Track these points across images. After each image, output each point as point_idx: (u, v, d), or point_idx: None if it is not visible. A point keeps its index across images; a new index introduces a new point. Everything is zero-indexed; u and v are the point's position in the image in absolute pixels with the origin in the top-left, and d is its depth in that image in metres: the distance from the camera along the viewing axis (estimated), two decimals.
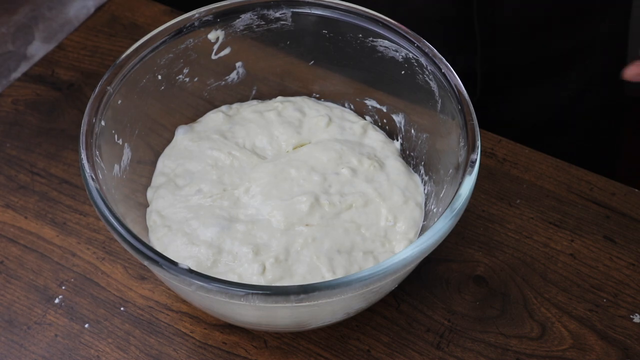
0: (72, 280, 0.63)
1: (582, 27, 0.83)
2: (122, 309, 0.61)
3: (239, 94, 0.68)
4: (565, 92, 0.88)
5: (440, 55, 0.59)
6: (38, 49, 0.81)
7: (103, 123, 0.56)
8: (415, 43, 0.60)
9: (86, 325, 0.60)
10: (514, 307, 0.61)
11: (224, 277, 0.54)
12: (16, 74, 0.78)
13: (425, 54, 0.59)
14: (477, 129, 0.55)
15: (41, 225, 0.66)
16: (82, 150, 0.53)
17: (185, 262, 0.55)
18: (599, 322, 0.61)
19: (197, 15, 0.61)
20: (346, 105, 0.68)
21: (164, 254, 0.55)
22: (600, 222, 0.66)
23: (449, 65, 0.58)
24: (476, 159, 0.53)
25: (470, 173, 0.53)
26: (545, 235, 0.65)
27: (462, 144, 0.55)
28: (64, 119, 0.74)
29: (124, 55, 0.58)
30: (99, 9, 0.83)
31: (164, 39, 0.60)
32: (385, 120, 0.67)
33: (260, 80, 0.68)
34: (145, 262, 0.49)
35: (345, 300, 0.51)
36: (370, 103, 0.67)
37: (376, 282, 0.48)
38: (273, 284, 0.54)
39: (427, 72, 0.60)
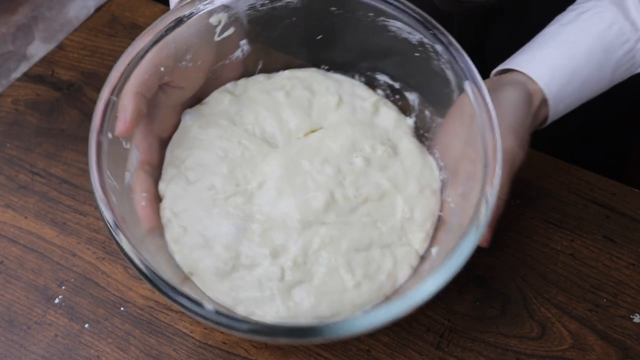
0: (72, 280, 0.63)
1: None
2: (122, 309, 0.61)
3: (244, 69, 0.66)
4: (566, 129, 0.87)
5: (457, 45, 0.56)
6: (38, 49, 0.81)
7: (110, 135, 0.54)
8: (430, 30, 0.57)
9: (86, 325, 0.60)
10: (514, 307, 0.61)
11: (243, 283, 0.54)
12: (16, 74, 0.78)
13: (442, 42, 0.57)
14: (499, 135, 0.53)
15: (41, 225, 0.66)
16: (93, 179, 0.51)
17: (205, 266, 0.55)
18: (599, 322, 0.61)
19: (198, 2, 0.59)
20: (356, 78, 0.66)
21: (182, 256, 0.56)
22: (600, 222, 0.66)
23: (467, 57, 0.56)
24: (497, 171, 0.51)
25: (492, 187, 0.51)
26: (545, 235, 0.65)
27: (477, 140, 0.54)
28: (64, 119, 0.74)
29: (123, 59, 0.55)
30: (99, 9, 0.83)
31: (164, 32, 0.57)
32: (397, 97, 0.64)
33: (266, 54, 0.65)
34: (176, 305, 0.48)
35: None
36: (382, 78, 0.65)
37: (392, 320, 0.48)
38: (292, 289, 0.54)
39: (443, 60, 0.57)
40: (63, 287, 0.62)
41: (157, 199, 0.59)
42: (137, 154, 0.58)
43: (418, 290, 0.48)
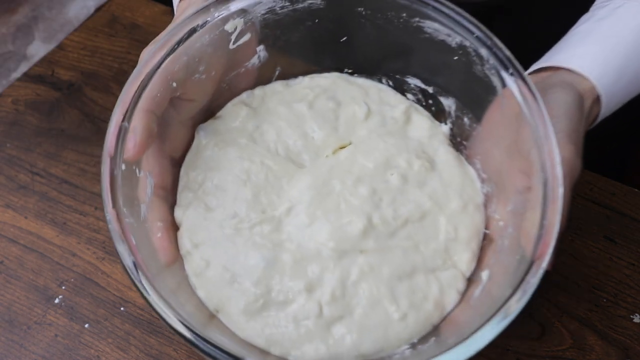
0: (72, 280, 0.63)
1: None
2: (122, 308, 0.61)
3: (260, 77, 0.61)
4: None
5: (505, 49, 0.51)
6: (38, 49, 0.81)
7: (123, 167, 0.48)
8: (474, 33, 0.51)
9: (86, 325, 0.60)
10: None
11: (277, 321, 0.50)
12: (16, 74, 0.78)
13: (488, 47, 0.51)
14: (556, 144, 0.47)
15: (41, 225, 0.66)
16: (110, 219, 0.46)
17: (233, 305, 0.51)
18: (599, 322, 0.61)
19: (211, 7, 0.53)
20: (383, 81, 0.60)
21: (205, 292, 0.52)
22: (600, 222, 0.66)
23: (518, 64, 0.50)
24: (559, 190, 0.46)
25: (556, 213, 0.46)
26: None
27: (529, 154, 0.48)
28: (64, 119, 0.74)
29: (134, 73, 0.50)
30: (99, 9, 0.83)
31: (176, 45, 0.52)
32: (430, 102, 0.59)
33: (284, 60, 0.60)
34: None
35: None
36: (413, 82, 0.59)
37: None
38: (332, 326, 0.50)
39: (488, 66, 0.51)
40: (63, 287, 0.62)
41: (174, 227, 0.54)
42: (150, 181, 0.52)
43: (481, 334, 0.45)
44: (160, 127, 0.52)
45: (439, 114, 0.59)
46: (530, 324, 0.60)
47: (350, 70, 0.61)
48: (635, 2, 0.62)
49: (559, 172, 0.47)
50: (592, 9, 0.64)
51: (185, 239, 0.53)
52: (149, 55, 0.51)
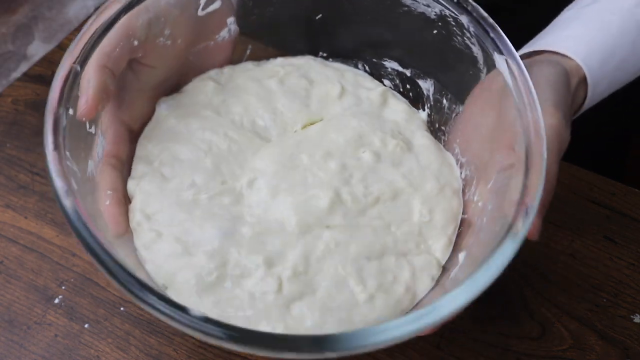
0: (72, 280, 0.63)
1: None
2: (122, 308, 0.61)
3: (230, 53, 0.58)
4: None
5: (486, 15, 0.49)
6: (38, 49, 0.81)
7: (71, 111, 0.45)
8: None
9: (86, 325, 0.60)
10: (514, 307, 0.61)
11: (232, 296, 0.46)
12: (16, 74, 0.78)
13: (468, 12, 0.50)
14: (539, 109, 0.45)
15: (41, 225, 0.66)
16: (50, 159, 0.43)
17: (183, 277, 0.46)
18: (599, 322, 0.61)
19: None
20: (360, 66, 0.58)
21: (154, 266, 0.47)
22: (600, 222, 0.66)
23: (499, 28, 0.49)
24: (542, 161, 0.44)
25: (539, 182, 0.43)
26: (545, 235, 0.65)
27: (514, 125, 0.46)
28: None
29: (90, 21, 0.47)
30: (98, 8, 0.83)
31: None
32: (408, 86, 0.57)
33: (256, 38, 0.58)
34: (148, 309, 0.39)
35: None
36: (390, 65, 0.57)
37: (430, 327, 0.41)
38: (292, 304, 0.46)
39: (468, 35, 0.50)
40: (63, 287, 0.62)
41: (126, 200, 0.50)
42: (102, 141, 0.49)
43: (446, 302, 0.41)
44: (118, 91, 0.49)
45: (416, 101, 0.57)
46: (530, 324, 0.60)
47: (325, 55, 0.59)
48: None
49: (543, 133, 0.45)
50: None
51: (136, 211, 0.49)
52: (108, 5, 0.48)
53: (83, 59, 0.46)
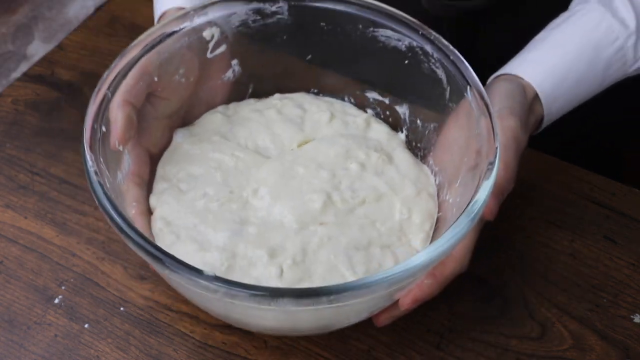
0: (72, 280, 0.63)
1: None
2: (122, 309, 0.61)
3: (235, 93, 0.67)
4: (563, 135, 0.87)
5: (446, 42, 0.58)
6: (38, 49, 0.81)
7: (104, 129, 0.54)
8: (419, 31, 0.59)
9: (86, 325, 0.60)
10: (514, 307, 0.61)
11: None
12: (16, 74, 0.78)
13: (431, 42, 0.58)
14: (495, 120, 0.53)
15: (41, 225, 0.66)
16: (87, 155, 0.51)
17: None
18: (599, 322, 0.61)
19: (192, 13, 0.60)
20: (346, 99, 0.67)
21: None
22: (600, 222, 0.66)
23: (457, 52, 0.57)
24: (495, 160, 0.51)
25: (488, 177, 0.51)
26: (545, 235, 0.65)
27: (477, 131, 0.54)
28: (64, 119, 0.74)
29: (121, 57, 0.57)
30: (99, 9, 0.84)
31: (159, 39, 0.58)
32: (388, 112, 0.65)
33: (257, 78, 0.67)
34: (166, 272, 0.46)
35: (373, 299, 0.51)
36: (372, 95, 0.66)
37: (405, 279, 0.47)
38: (293, 286, 0.53)
39: (432, 60, 0.58)
40: (63, 287, 0.62)
41: (148, 212, 0.58)
42: (128, 159, 0.57)
43: (419, 256, 0.47)
44: (138, 120, 0.57)
45: (395, 124, 0.65)
46: (530, 324, 0.60)
47: (316, 91, 0.68)
48: (588, 8, 0.67)
49: (497, 129, 0.52)
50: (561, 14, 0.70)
51: (158, 219, 0.57)
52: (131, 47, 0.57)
53: (115, 87, 0.55)
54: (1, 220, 0.66)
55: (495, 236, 0.65)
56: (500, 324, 0.61)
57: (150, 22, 0.81)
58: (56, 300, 0.61)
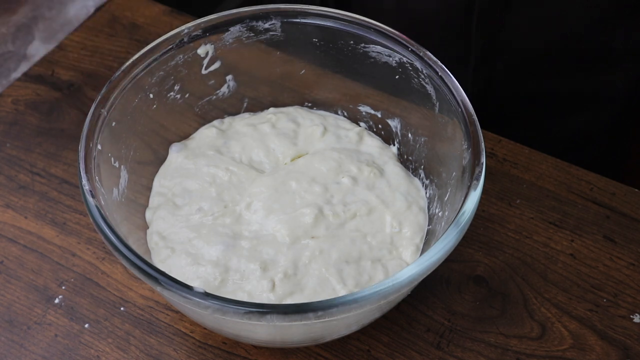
0: (72, 280, 0.63)
1: (590, 73, 0.82)
2: (122, 309, 0.61)
3: (230, 107, 0.68)
4: (564, 132, 0.88)
5: (435, 58, 0.59)
6: (38, 49, 0.81)
7: (100, 147, 0.55)
8: (409, 47, 0.60)
9: (86, 325, 0.60)
10: (514, 307, 0.61)
11: (233, 296, 0.54)
12: (16, 74, 0.78)
13: (420, 58, 0.59)
14: (480, 135, 0.55)
15: (41, 225, 0.66)
16: (82, 175, 0.52)
17: (192, 282, 0.54)
18: (599, 322, 0.61)
19: (186, 31, 0.61)
20: (339, 112, 0.68)
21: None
22: (600, 222, 0.66)
23: (445, 68, 0.58)
24: (481, 173, 0.52)
25: (475, 188, 0.52)
26: (545, 235, 0.65)
27: (465, 146, 0.55)
28: (64, 119, 0.74)
29: (116, 76, 0.58)
30: (99, 9, 0.83)
31: (155, 57, 0.60)
32: (380, 126, 0.67)
33: (251, 93, 0.68)
34: (157, 288, 0.48)
35: (363, 313, 0.51)
36: (364, 109, 0.67)
37: (393, 293, 0.48)
38: (284, 300, 0.54)
39: (422, 76, 0.60)
40: (63, 287, 0.62)
41: (144, 227, 0.60)
42: (125, 175, 0.59)
43: (405, 271, 0.48)
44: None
45: (387, 138, 0.66)
46: (530, 324, 0.60)
47: (309, 105, 0.69)
48: None
49: (481, 139, 0.54)
50: None
51: (153, 233, 0.59)
52: (125, 65, 0.59)
53: (104, 103, 0.57)
54: (1, 220, 0.66)
55: (495, 236, 0.65)
56: (500, 324, 0.61)
57: (150, 22, 0.82)
58: (56, 300, 0.61)
